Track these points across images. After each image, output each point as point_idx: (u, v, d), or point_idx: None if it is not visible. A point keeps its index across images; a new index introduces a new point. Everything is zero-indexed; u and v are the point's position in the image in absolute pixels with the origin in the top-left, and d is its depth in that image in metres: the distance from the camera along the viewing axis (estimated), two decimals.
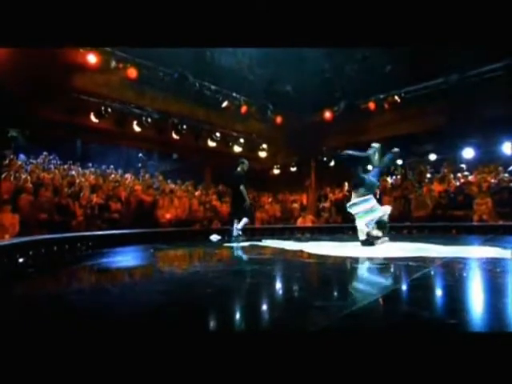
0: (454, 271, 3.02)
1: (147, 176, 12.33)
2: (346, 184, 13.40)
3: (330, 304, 2.08)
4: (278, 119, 11.01)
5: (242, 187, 7.54)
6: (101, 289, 2.75)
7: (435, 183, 10.76)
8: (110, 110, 8.31)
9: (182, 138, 9.82)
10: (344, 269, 3.38)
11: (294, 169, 12.80)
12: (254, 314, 1.94)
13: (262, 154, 11.61)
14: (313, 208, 12.17)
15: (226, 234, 8.27)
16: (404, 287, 2.50)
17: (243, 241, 6.73)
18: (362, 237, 4.91)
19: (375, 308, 1.93)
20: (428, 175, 11.50)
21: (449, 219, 9.29)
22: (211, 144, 10.35)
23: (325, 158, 12.09)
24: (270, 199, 13.30)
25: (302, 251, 4.65)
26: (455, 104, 9.08)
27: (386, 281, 2.74)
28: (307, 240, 6.72)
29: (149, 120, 8.92)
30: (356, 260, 3.76)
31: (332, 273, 3.24)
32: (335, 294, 2.46)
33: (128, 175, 11.77)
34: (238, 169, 7.37)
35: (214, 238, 7.82)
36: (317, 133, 11.44)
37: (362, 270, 3.33)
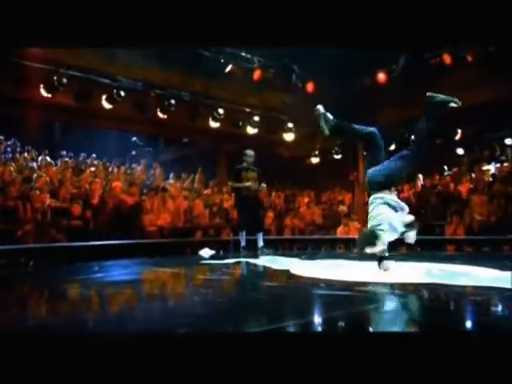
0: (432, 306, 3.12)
1: (139, 168, 12.13)
2: (420, 177, 12.46)
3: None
4: (310, 87, 10.38)
5: (230, 184, 8.04)
6: None
7: None
8: (65, 80, 8.05)
9: (173, 116, 9.60)
10: (292, 294, 3.73)
11: (337, 156, 12.29)
12: None
13: (288, 137, 11.27)
14: (361, 212, 11.42)
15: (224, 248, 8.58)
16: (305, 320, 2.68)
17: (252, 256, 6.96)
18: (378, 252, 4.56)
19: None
20: None
21: None
22: (213, 124, 9.99)
23: None
24: (306, 199, 12.54)
25: (287, 272, 4.90)
26: None
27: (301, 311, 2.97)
28: (321, 258, 6.70)
29: (122, 93, 8.60)
30: (330, 285, 3.91)
31: (264, 297, 3.58)
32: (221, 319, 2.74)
33: (112, 166, 11.61)
34: (244, 164, 7.69)
35: (205, 253, 7.90)
36: (366, 104, 10.71)
37: (310, 296, 3.56)
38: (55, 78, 8.36)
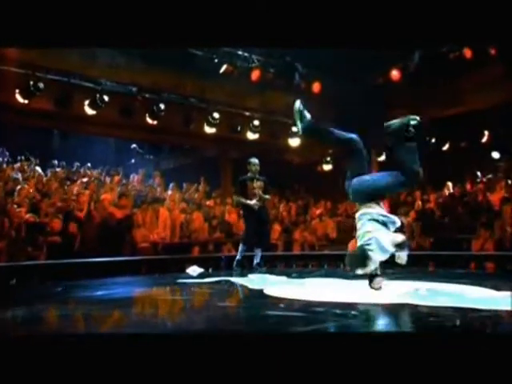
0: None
1: (136, 177, 11.94)
2: (450, 184, 11.96)
3: None
4: (316, 87, 10.04)
5: (236, 198, 7.93)
6: None
7: None
8: (41, 85, 7.94)
9: (164, 122, 9.70)
10: (236, 315, 3.90)
11: None
12: None
13: (294, 142, 11.03)
14: None
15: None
16: None
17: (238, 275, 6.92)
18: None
19: None
20: None
21: None
22: (209, 130, 9.76)
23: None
24: (318, 211, 12.12)
25: (258, 292, 4.86)
26: None
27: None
28: (315, 276, 6.53)
29: (105, 98, 8.44)
30: (289, 305, 4.00)
31: (202, 318, 3.67)
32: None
33: (103, 176, 11.47)
34: (249, 173, 7.56)
35: (193, 270, 7.60)
36: (378, 105, 10.44)
37: (254, 317, 3.64)
38: (31, 82, 8.22)
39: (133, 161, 13.57)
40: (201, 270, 7.58)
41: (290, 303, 4.04)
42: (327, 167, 12.67)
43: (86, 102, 8.90)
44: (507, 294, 3.96)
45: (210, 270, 8.04)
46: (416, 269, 8.05)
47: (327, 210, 12.83)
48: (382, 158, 11.91)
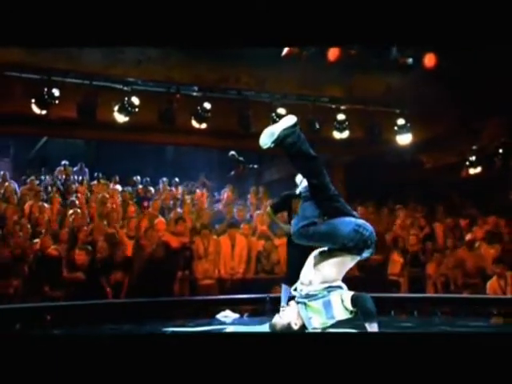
0: None
1: (225, 195, 11.43)
2: None
3: None
4: (429, 59, 8.83)
5: (268, 210, 7.70)
6: None
7: None
8: (56, 92, 8.22)
9: (214, 123, 9.21)
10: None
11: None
12: None
13: (404, 138, 9.82)
14: None
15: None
16: None
17: None
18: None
19: None
20: None
21: None
22: None
23: None
24: (480, 232, 10.96)
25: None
26: None
27: None
28: None
29: (135, 101, 8.43)
30: None
31: None
32: None
33: (178, 191, 11.30)
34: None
35: (224, 316, 7.57)
36: None
37: None
38: (45, 89, 8.45)
39: (232, 173, 13.05)
40: (235, 315, 7.51)
41: None
42: (474, 170, 11.10)
43: (116, 108, 8.79)
44: None
45: (245, 316, 7.87)
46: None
47: (483, 233, 10.86)
48: None
